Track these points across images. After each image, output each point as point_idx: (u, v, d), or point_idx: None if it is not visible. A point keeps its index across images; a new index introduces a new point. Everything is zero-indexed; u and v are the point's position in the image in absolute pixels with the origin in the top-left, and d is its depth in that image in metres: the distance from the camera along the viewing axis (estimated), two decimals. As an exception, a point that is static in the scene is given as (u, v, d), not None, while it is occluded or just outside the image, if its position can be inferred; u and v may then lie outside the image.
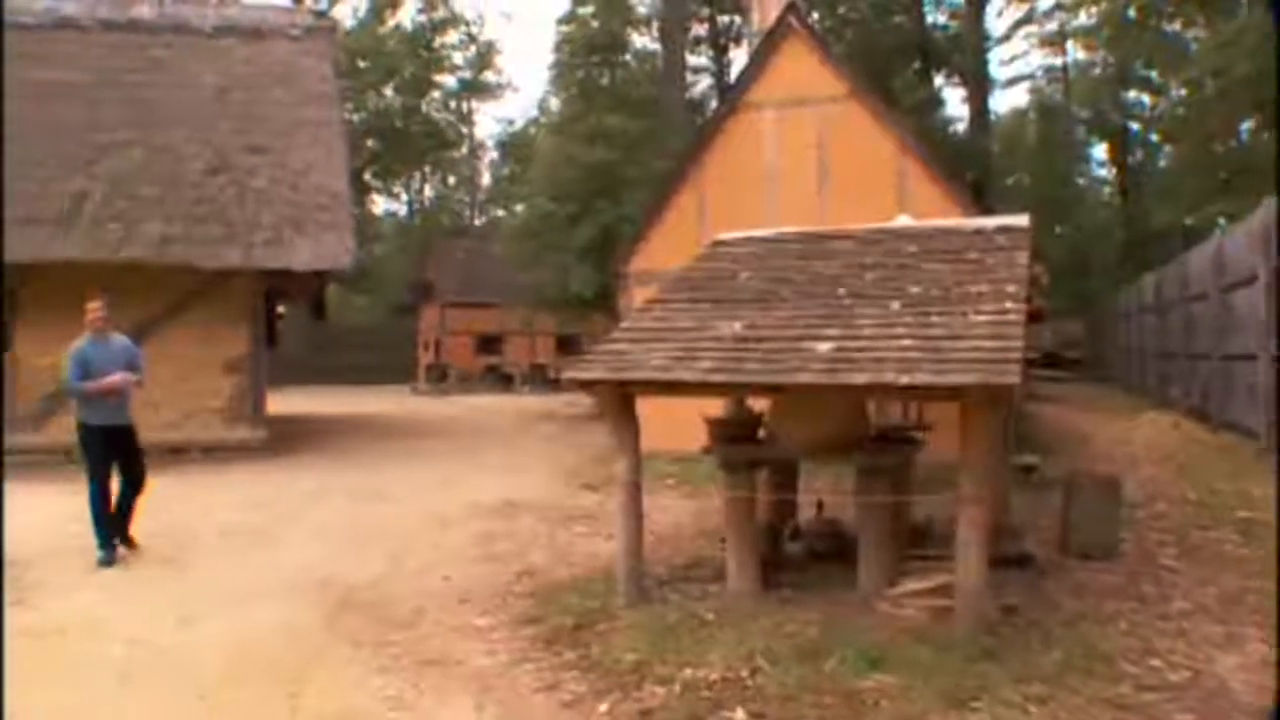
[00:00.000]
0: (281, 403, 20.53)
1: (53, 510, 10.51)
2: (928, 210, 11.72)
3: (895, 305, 6.42)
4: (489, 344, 41.57)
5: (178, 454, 14.20)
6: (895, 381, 5.54)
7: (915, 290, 6.57)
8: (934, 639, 5.68)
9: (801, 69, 14.46)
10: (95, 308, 8.70)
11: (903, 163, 13.96)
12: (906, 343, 5.88)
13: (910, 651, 5.50)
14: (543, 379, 36.34)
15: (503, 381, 38.03)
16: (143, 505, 8.98)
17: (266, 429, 16.23)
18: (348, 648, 6.24)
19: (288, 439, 17.02)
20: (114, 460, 8.76)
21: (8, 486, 12.25)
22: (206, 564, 8.51)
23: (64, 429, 13.86)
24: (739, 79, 15.81)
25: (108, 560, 8.40)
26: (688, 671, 5.38)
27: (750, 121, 14.83)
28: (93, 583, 7.91)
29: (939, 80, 37.66)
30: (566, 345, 37.48)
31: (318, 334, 40.21)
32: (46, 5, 17.77)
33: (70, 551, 8.75)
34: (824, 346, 6.04)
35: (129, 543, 8.79)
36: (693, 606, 6.54)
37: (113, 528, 8.61)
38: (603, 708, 5.16)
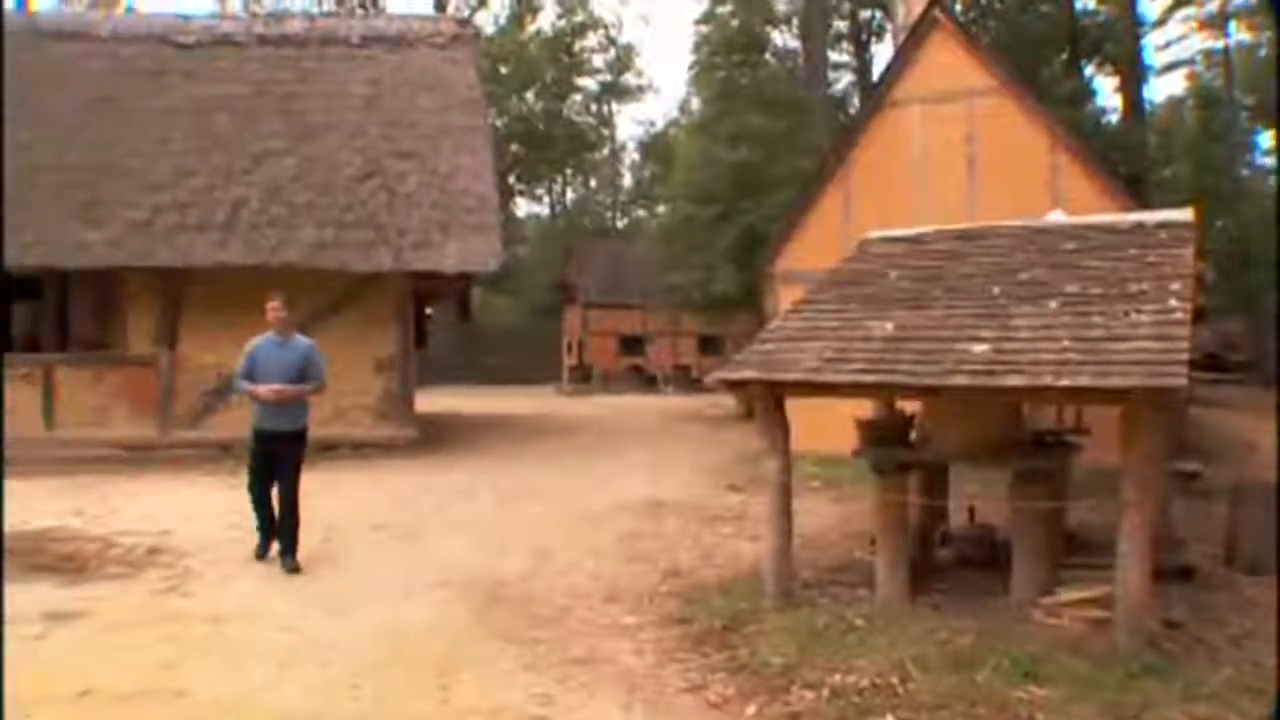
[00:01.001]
0: (428, 401, 20.97)
1: (210, 504, 10.94)
2: (1082, 205, 11.33)
3: (1052, 304, 6.22)
4: (631, 345, 41.86)
5: (329, 450, 14.61)
6: (1054, 384, 5.38)
7: (1073, 289, 6.36)
8: (1092, 651, 5.52)
9: (949, 63, 14.17)
10: (275, 306, 8.54)
11: (1055, 156, 13.55)
12: (1065, 344, 5.70)
13: (1067, 663, 5.35)
14: (686, 379, 36.39)
15: (646, 382, 38.23)
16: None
17: (415, 427, 16.60)
18: (497, 643, 6.33)
19: (435, 437, 17.38)
20: (272, 463, 8.52)
21: (168, 479, 12.93)
22: (359, 558, 8.74)
23: (221, 425, 14.60)
24: (884, 74, 15.56)
25: (265, 553, 8.55)
26: (836, 676, 5.33)
27: (897, 117, 14.61)
28: (249, 573, 8.16)
29: (1089, 70, 36.39)
30: (709, 346, 37.57)
31: (463, 334, 40.98)
32: (206, 24, 18.56)
33: (227, 543, 9.06)
34: (979, 348, 5.90)
35: (294, 566, 8.25)
36: (841, 610, 6.48)
37: (272, 523, 8.57)
38: (750, 710, 5.15)
